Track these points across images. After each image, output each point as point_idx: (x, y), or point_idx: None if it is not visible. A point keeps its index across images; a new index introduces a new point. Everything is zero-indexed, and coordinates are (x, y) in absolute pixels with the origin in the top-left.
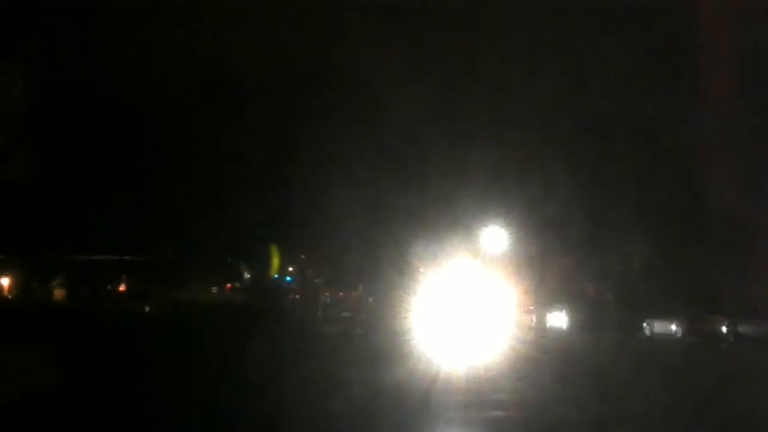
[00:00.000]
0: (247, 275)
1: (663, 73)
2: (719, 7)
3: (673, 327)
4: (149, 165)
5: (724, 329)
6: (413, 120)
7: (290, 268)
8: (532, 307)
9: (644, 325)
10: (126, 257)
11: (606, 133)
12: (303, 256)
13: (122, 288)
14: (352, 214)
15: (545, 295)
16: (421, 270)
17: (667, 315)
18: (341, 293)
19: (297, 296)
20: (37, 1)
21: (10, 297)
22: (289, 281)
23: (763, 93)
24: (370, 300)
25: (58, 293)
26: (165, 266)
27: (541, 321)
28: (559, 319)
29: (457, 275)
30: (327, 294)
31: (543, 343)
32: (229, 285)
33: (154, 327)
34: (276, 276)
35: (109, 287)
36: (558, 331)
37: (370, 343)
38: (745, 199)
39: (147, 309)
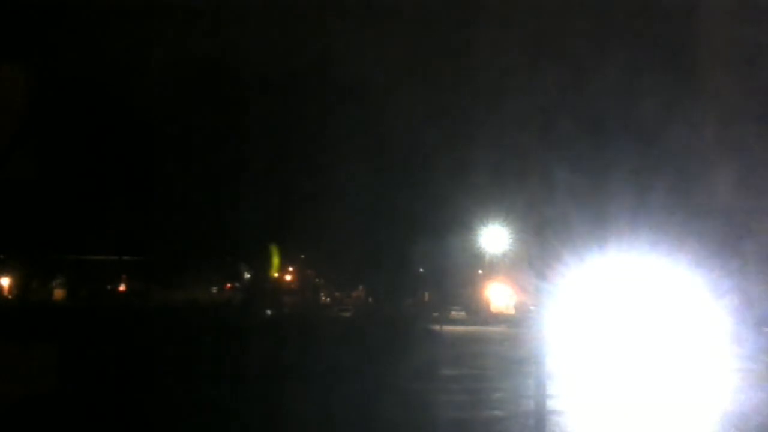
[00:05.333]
0: (247, 275)
1: (663, 73)
2: (720, 7)
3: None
4: (150, 165)
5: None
6: (413, 120)
7: (290, 268)
8: None
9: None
10: (126, 257)
11: (606, 133)
12: (303, 256)
13: (122, 288)
14: (352, 214)
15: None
16: (421, 270)
17: None
18: (338, 293)
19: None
20: (37, 1)
21: (10, 297)
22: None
23: (763, 92)
24: (370, 300)
25: (58, 293)
26: (165, 266)
27: None
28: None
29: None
30: (323, 294)
31: None
32: (229, 285)
33: (153, 327)
34: (276, 276)
35: (109, 287)
36: None
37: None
38: (745, 199)
39: (268, 312)
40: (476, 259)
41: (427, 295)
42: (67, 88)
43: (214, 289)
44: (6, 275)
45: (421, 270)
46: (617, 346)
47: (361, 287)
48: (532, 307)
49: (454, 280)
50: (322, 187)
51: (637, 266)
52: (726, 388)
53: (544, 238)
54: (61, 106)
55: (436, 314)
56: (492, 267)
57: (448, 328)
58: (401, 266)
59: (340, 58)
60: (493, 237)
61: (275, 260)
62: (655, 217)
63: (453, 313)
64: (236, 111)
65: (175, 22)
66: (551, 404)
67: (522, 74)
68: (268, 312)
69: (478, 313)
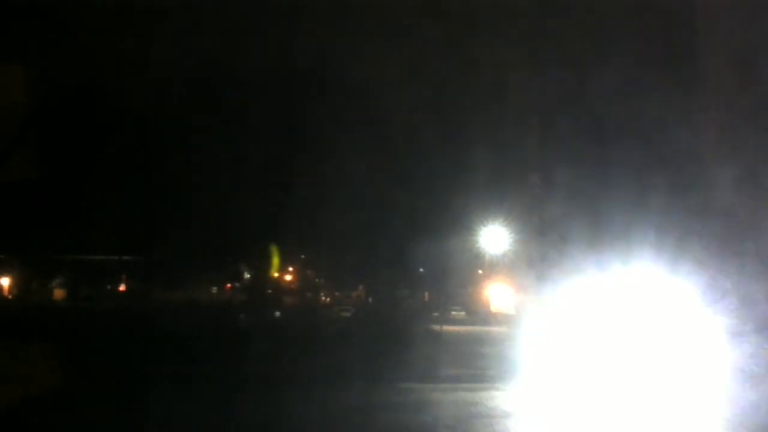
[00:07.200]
0: (247, 275)
1: (664, 73)
2: (721, 6)
3: None
4: (149, 165)
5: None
6: (413, 119)
7: (290, 268)
8: None
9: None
10: (126, 257)
11: (607, 134)
12: (303, 256)
13: (122, 288)
14: (352, 213)
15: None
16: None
17: None
18: (338, 293)
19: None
20: (37, 1)
21: (10, 297)
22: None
23: (765, 92)
24: (370, 300)
25: (58, 293)
26: (165, 266)
27: None
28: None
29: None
30: (323, 294)
31: None
32: (229, 285)
33: (153, 327)
34: (276, 276)
35: (109, 287)
36: None
37: None
38: (746, 199)
39: (277, 314)
40: (476, 259)
41: (427, 295)
42: (67, 88)
43: (214, 289)
44: (6, 275)
45: (421, 270)
46: (617, 347)
47: (361, 287)
48: (531, 308)
49: (454, 280)
50: (322, 186)
51: (637, 266)
52: (726, 389)
53: (544, 239)
54: (61, 106)
55: (436, 314)
56: (492, 267)
57: (448, 328)
58: (401, 266)
59: (340, 58)
60: (493, 237)
61: (275, 260)
62: (655, 217)
63: (453, 313)
64: (236, 110)
65: (175, 21)
66: (551, 403)
67: (522, 74)
68: (277, 313)
69: (478, 313)
